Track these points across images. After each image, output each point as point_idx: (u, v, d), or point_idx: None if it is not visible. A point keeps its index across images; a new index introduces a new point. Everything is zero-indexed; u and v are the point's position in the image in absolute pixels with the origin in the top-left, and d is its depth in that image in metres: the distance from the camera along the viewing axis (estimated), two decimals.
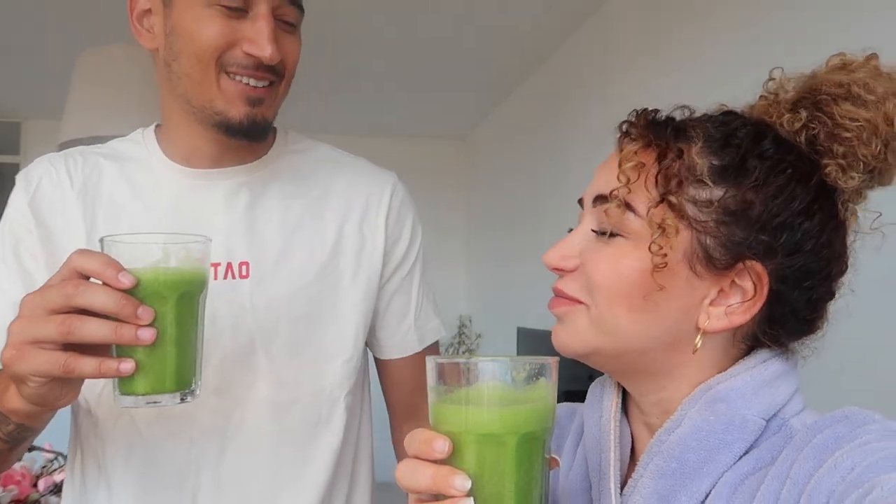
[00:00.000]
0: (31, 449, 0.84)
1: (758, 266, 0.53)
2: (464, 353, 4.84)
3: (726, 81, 1.97)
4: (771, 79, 0.59)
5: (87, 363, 0.59)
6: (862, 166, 0.54)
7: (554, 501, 0.63)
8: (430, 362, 0.48)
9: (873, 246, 0.57)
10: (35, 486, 0.80)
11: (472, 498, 0.43)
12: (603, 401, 0.62)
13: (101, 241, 0.63)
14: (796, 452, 0.48)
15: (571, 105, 2.99)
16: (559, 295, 0.59)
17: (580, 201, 0.61)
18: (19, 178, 0.89)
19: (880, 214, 0.57)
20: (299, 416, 0.88)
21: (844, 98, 0.53)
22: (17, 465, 0.86)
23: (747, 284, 0.53)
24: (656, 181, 0.53)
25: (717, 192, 0.53)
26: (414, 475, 0.45)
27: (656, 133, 0.55)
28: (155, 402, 0.63)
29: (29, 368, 0.60)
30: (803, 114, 0.55)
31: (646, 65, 2.34)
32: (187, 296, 0.63)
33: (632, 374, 0.58)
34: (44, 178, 0.88)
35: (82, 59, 1.78)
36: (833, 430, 0.48)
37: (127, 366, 0.60)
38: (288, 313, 0.88)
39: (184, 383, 0.64)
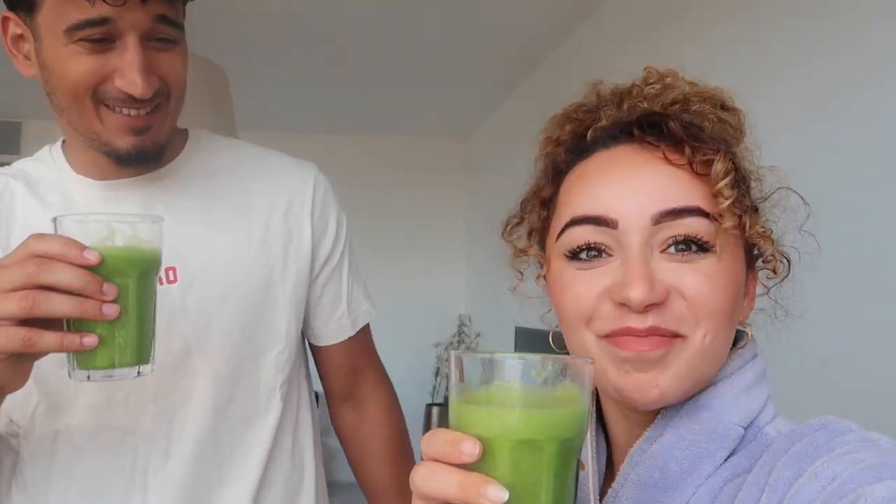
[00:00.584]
0: None
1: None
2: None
3: (726, 75, 1.96)
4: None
5: (49, 337, 0.60)
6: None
7: None
8: (456, 358, 0.43)
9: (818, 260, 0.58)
10: None
11: None
12: None
13: (55, 220, 0.64)
14: (774, 459, 0.48)
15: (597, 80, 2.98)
16: (657, 334, 0.50)
17: (601, 220, 0.53)
18: None
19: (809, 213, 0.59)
20: (239, 411, 0.90)
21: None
22: None
23: (751, 275, 0.57)
24: (735, 187, 0.52)
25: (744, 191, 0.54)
26: (436, 480, 0.39)
27: (698, 137, 0.53)
28: (111, 376, 0.64)
29: None
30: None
31: (647, 62, 2.33)
32: (146, 273, 0.65)
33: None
34: None
35: None
36: (812, 439, 0.48)
37: (90, 339, 0.61)
38: (219, 313, 0.88)
39: (142, 357, 0.66)
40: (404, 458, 1.09)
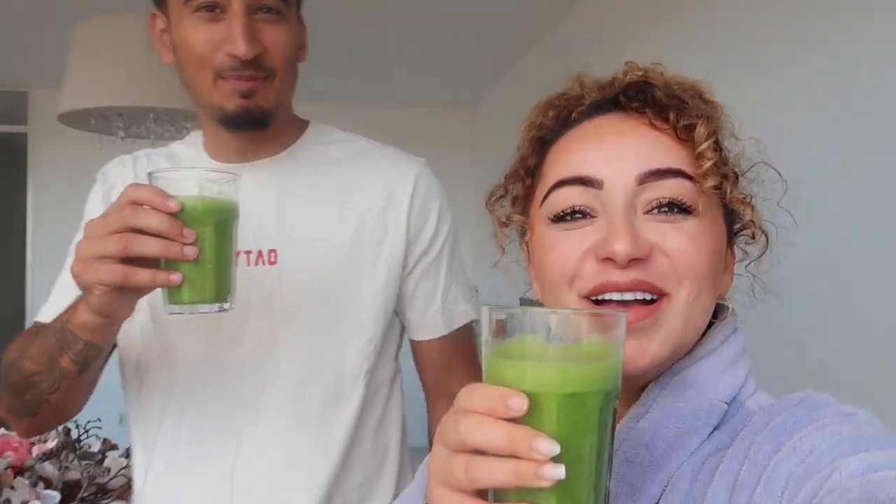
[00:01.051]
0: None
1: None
2: None
3: (738, 38, 1.93)
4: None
5: (143, 273, 0.69)
6: None
7: None
8: (490, 312, 0.42)
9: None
10: (30, 452, 0.82)
11: (563, 466, 0.36)
12: None
13: (150, 175, 0.73)
14: (754, 434, 0.49)
15: (581, 72, 2.95)
16: (643, 288, 0.50)
17: (586, 180, 0.53)
18: (98, 176, 1.04)
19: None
20: (321, 393, 0.94)
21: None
22: (14, 433, 0.88)
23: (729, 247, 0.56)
24: (717, 152, 0.53)
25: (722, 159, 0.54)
26: (482, 430, 0.37)
27: (677, 106, 0.54)
28: (194, 311, 0.73)
29: (94, 278, 0.70)
30: None
31: (657, 29, 2.31)
32: (222, 222, 0.73)
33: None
34: (118, 177, 1.01)
35: (77, 31, 1.77)
36: (791, 413, 0.48)
37: (176, 277, 0.70)
38: (309, 298, 0.93)
39: (221, 296, 0.74)
40: None
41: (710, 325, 0.57)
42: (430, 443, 0.96)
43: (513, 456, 0.36)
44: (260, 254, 0.93)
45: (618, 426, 0.53)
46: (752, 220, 0.54)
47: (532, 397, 0.38)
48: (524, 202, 0.62)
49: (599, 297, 0.52)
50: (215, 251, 0.72)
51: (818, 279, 1.51)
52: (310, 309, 0.93)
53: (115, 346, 0.95)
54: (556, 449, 0.36)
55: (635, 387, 0.54)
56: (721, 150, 0.54)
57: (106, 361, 0.92)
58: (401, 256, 0.98)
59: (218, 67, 0.86)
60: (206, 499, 0.92)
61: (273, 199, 0.95)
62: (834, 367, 1.50)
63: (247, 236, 0.88)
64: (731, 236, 0.58)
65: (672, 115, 0.53)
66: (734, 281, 0.59)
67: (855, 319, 1.46)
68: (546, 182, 0.56)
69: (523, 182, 0.61)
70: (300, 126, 1.02)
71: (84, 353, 0.82)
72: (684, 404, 0.52)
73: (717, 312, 0.58)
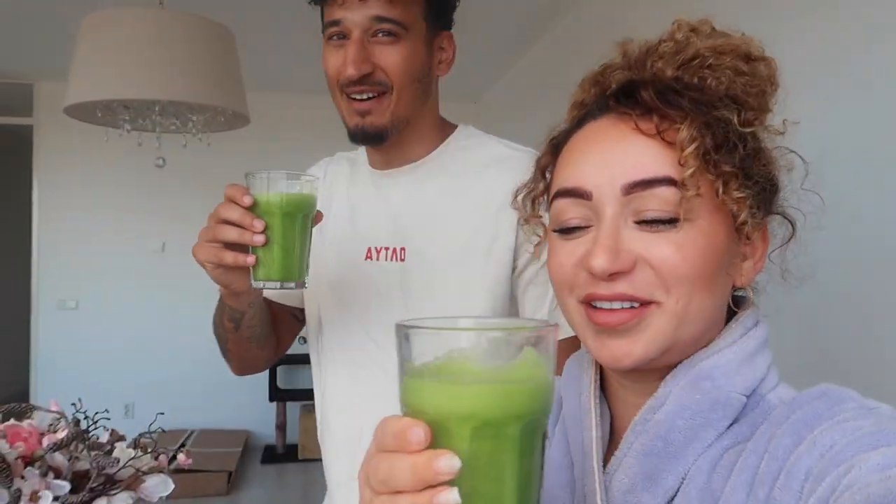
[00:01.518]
0: (35, 409, 0.87)
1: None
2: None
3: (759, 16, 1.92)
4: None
5: (228, 254, 0.87)
6: None
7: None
8: (399, 328, 0.38)
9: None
10: (40, 443, 0.83)
11: (456, 490, 0.35)
12: (581, 378, 0.61)
13: (245, 175, 0.90)
14: (774, 427, 0.49)
15: (585, 63, 2.94)
16: (627, 299, 0.51)
17: (577, 192, 0.54)
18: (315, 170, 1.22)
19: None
20: None
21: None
22: (25, 423, 0.89)
23: (757, 235, 0.55)
24: (708, 157, 0.51)
25: (735, 160, 0.53)
26: (390, 472, 0.36)
27: (671, 103, 0.53)
28: (269, 286, 0.89)
29: (201, 258, 0.92)
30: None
31: (663, 21, 2.29)
32: (289, 215, 0.87)
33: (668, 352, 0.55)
34: (319, 171, 1.19)
35: (86, 23, 1.77)
36: (812, 407, 0.48)
37: (250, 258, 0.87)
38: (427, 295, 1.02)
39: (288, 275, 0.89)
40: None
41: (734, 314, 0.57)
42: None
43: (426, 489, 0.35)
44: (394, 252, 1.04)
45: (635, 417, 0.54)
46: (743, 222, 0.53)
47: (439, 424, 0.36)
48: (546, 199, 0.62)
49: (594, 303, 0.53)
50: (283, 238, 0.87)
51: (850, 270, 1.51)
52: (430, 307, 1.00)
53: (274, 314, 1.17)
54: (456, 464, 0.34)
55: (655, 380, 0.54)
56: (722, 145, 0.52)
57: (267, 321, 1.13)
58: (508, 260, 1.01)
59: (341, 86, 0.99)
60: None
61: (404, 202, 1.05)
62: (863, 358, 1.50)
63: (380, 235, 1.04)
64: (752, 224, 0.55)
65: (655, 119, 0.52)
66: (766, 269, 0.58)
67: (884, 314, 1.45)
68: (552, 188, 0.58)
69: (541, 182, 0.63)
70: (445, 132, 1.10)
71: (231, 315, 1.06)
72: (701, 397, 0.52)
73: (740, 303, 0.58)
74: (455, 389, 0.36)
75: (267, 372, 4.74)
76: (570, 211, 0.55)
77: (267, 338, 1.15)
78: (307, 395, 5.06)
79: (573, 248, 0.55)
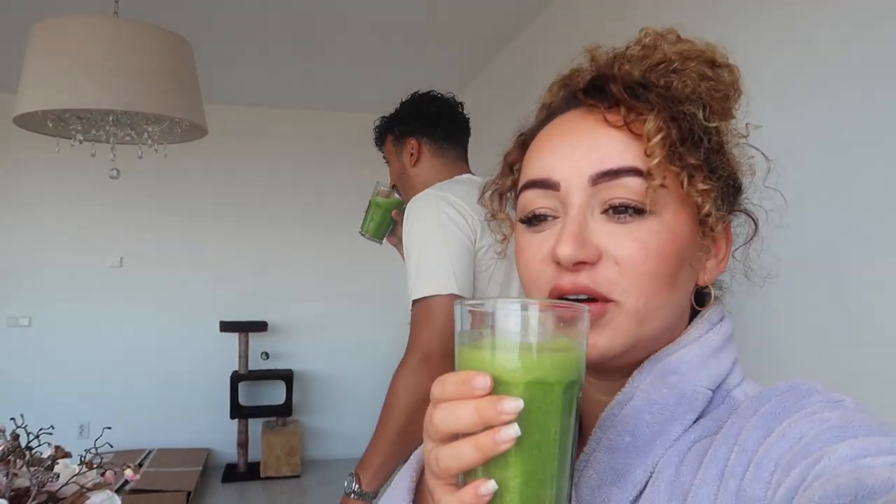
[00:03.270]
0: None
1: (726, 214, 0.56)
2: None
3: (727, 20, 1.97)
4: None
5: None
6: None
7: None
8: (461, 307, 0.44)
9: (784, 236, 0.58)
10: None
11: (515, 425, 0.39)
12: None
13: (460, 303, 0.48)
14: (743, 420, 0.50)
15: (558, 65, 2.97)
16: (588, 293, 0.52)
17: (545, 183, 0.55)
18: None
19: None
20: None
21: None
22: None
23: (721, 232, 0.56)
24: (674, 149, 0.52)
25: (700, 155, 0.53)
26: (453, 415, 0.39)
27: (638, 97, 0.53)
28: None
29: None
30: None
31: (643, 16, 2.33)
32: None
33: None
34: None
35: (36, 31, 1.73)
36: (780, 400, 0.49)
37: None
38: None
39: None
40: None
41: (698, 312, 0.58)
42: None
43: (485, 430, 0.38)
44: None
45: (602, 413, 0.55)
46: (708, 213, 0.54)
47: (501, 383, 0.40)
48: (513, 196, 0.63)
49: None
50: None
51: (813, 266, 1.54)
52: None
53: None
54: (520, 404, 0.39)
55: (622, 377, 0.55)
56: (687, 138, 0.53)
57: None
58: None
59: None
60: None
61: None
62: (830, 352, 1.53)
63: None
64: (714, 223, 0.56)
65: (623, 110, 0.53)
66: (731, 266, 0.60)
67: (847, 309, 1.48)
68: (520, 181, 0.59)
69: (508, 178, 0.63)
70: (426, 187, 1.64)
71: None
72: (667, 391, 0.53)
73: (705, 301, 0.59)
74: (511, 356, 0.41)
75: (228, 388, 4.66)
76: (537, 201, 0.55)
77: None
78: (269, 411, 5.00)
79: (540, 242, 0.55)
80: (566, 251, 0.51)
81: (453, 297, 1.41)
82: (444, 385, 0.41)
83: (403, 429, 1.38)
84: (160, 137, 1.98)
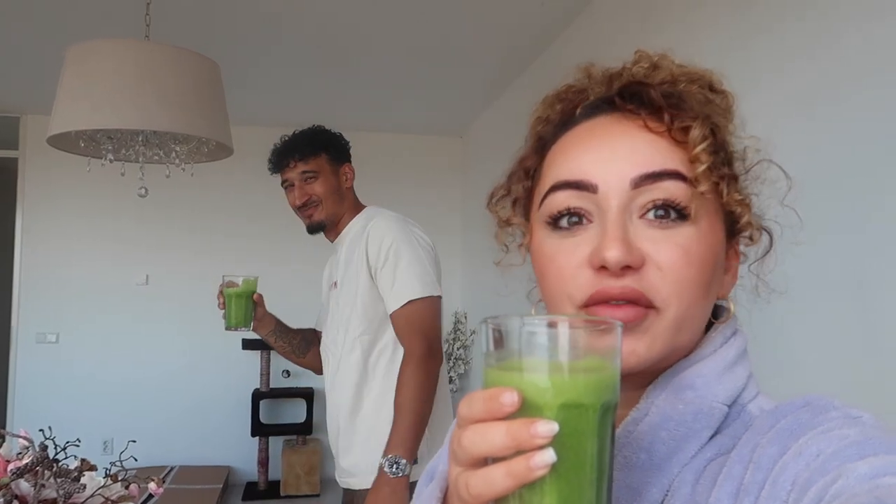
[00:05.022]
0: (2, 434, 0.86)
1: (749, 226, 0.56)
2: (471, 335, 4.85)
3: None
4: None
5: None
6: None
7: None
8: (489, 325, 0.41)
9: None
10: (5, 471, 0.82)
11: (551, 449, 0.36)
12: None
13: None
14: (759, 437, 0.48)
15: (590, 62, 2.99)
16: (636, 297, 0.50)
17: (581, 185, 0.53)
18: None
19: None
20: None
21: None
22: None
23: (734, 247, 0.57)
24: (716, 157, 0.52)
25: (728, 164, 0.54)
26: (483, 437, 0.37)
27: (679, 106, 0.53)
28: None
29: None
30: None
31: (656, 47, 2.35)
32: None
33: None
34: None
35: (71, 54, 1.79)
36: (796, 417, 0.48)
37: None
38: (342, 305, 1.91)
39: None
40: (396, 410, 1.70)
41: (711, 324, 0.56)
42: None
43: (517, 453, 0.36)
44: (335, 283, 1.98)
45: (617, 429, 0.53)
46: (748, 223, 0.54)
47: (533, 406, 0.38)
48: (524, 204, 0.61)
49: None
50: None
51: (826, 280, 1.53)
52: (342, 311, 1.92)
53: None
54: (554, 427, 0.36)
55: (635, 389, 0.54)
56: (721, 149, 0.54)
57: (296, 342, 2.09)
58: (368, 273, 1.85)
59: (296, 210, 1.98)
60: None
61: (341, 257, 1.96)
62: (839, 369, 1.50)
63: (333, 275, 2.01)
64: (733, 236, 0.57)
65: (667, 117, 0.52)
66: (739, 280, 0.59)
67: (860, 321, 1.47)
68: (543, 185, 0.56)
69: (522, 184, 0.61)
70: (356, 211, 1.99)
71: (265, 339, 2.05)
72: (683, 407, 0.51)
73: (718, 313, 0.58)
74: (545, 378, 0.39)
75: (249, 406, 4.68)
76: (570, 202, 0.53)
77: (302, 351, 2.07)
78: (290, 429, 5.01)
79: (574, 246, 0.52)
80: (615, 254, 0.49)
81: (438, 298, 1.81)
82: (471, 404, 0.39)
83: (424, 412, 1.67)
84: (187, 157, 2.02)
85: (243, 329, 1.91)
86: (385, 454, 1.64)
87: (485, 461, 0.38)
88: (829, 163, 1.49)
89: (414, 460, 1.64)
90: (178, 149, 1.97)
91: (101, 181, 4.45)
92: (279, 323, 2.02)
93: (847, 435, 0.44)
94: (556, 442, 0.37)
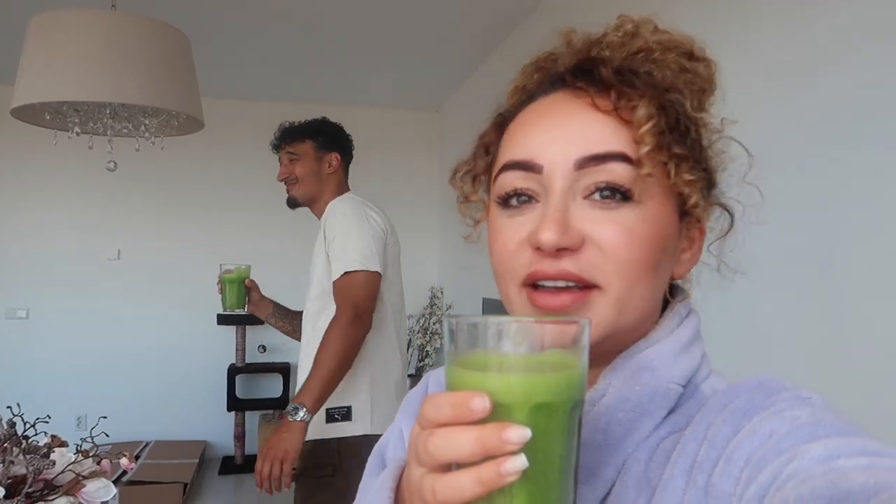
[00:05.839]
0: None
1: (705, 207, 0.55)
2: (444, 317, 4.88)
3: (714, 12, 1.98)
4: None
5: None
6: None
7: None
8: (454, 323, 0.40)
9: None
10: None
11: (523, 455, 0.36)
12: None
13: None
14: (712, 415, 0.49)
15: (570, 28, 2.98)
16: (571, 279, 0.50)
17: (526, 165, 0.53)
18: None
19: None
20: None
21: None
22: None
23: (695, 227, 0.56)
24: (663, 137, 0.51)
25: (685, 144, 0.53)
26: (451, 443, 0.36)
27: (629, 83, 0.52)
28: None
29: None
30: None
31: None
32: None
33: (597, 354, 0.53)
34: None
35: (34, 24, 1.74)
36: (750, 397, 0.49)
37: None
38: (310, 281, 2.13)
39: None
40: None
41: (667, 304, 0.57)
42: None
43: (486, 460, 0.36)
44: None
45: None
46: (696, 204, 0.53)
47: (502, 408, 0.37)
48: (485, 180, 0.61)
49: (534, 283, 0.52)
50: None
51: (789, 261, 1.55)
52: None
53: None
54: (527, 433, 0.36)
55: (591, 370, 0.54)
56: (674, 128, 0.52)
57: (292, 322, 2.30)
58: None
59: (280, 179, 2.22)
60: None
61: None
62: (798, 348, 1.54)
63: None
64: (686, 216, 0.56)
65: (613, 95, 0.52)
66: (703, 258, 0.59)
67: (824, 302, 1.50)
68: (498, 162, 0.56)
69: (483, 159, 0.61)
70: (335, 197, 2.15)
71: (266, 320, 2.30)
72: (640, 388, 0.52)
73: (676, 292, 0.58)
74: (514, 378, 0.38)
75: (225, 381, 4.68)
76: (517, 183, 0.53)
77: (296, 329, 2.26)
78: (266, 404, 5.02)
79: (518, 227, 0.53)
80: (549, 236, 0.49)
81: (377, 274, 1.96)
82: (437, 406, 0.37)
83: (336, 371, 1.86)
84: (157, 130, 1.98)
85: (238, 311, 2.18)
86: (292, 400, 1.85)
87: (450, 466, 0.37)
88: (793, 141, 1.51)
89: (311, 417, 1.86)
90: (147, 122, 1.93)
91: (68, 153, 4.36)
92: (277, 305, 2.28)
93: (798, 416, 0.45)
94: (525, 444, 0.36)
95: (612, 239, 0.50)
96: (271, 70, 4.18)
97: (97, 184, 4.63)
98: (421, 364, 4.87)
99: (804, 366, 1.46)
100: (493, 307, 3.03)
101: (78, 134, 1.89)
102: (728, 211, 0.59)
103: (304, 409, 1.81)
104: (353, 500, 0.61)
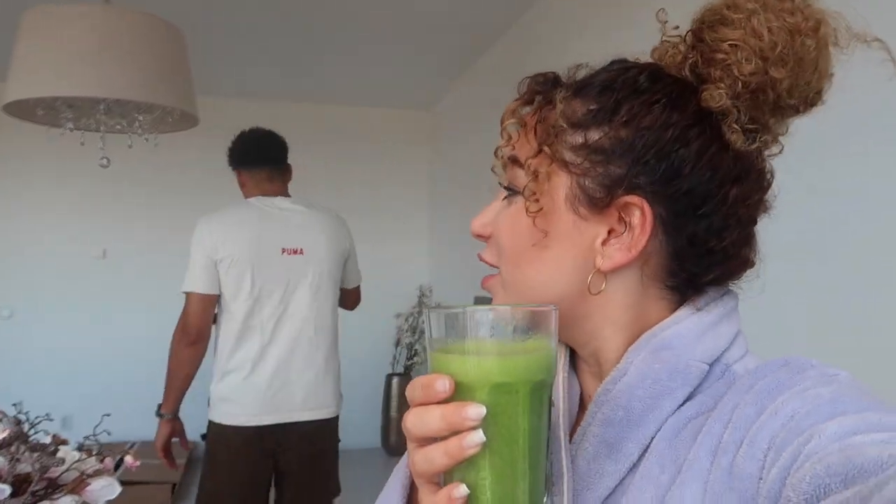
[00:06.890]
0: None
1: (635, 199, 0.53)
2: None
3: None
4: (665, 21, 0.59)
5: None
6: (741, 85, 0.52)
7: None
8: (429, 313, 0.46)
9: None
10: None
11: (480, 431, 0.41)
12: None
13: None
14: (738, 397, 0.50)
15: (536, 71, 2.99)
16: (484, 262, 0.61)
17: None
18: None
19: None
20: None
21: (719, 23, 0.53)
22: None
23: (636, 220, 0.54)
24: (535, 133, 0.56)
25: (593, 135, 0.54)
26: (423, 419, 0.43)
27: (537, 88, 0.58)
28: None
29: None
30: (681, 47, 0.56)
31: (607, 30, 2.36)
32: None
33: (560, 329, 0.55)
34: None
35: (26, 18, 1.71)
36: (775, 377, 0.49)
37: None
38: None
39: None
40: None
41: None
42: None
43: (452, 435, 0.41)
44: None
45: (598, 389, 0.56)
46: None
47: (466, 387, 0.43)
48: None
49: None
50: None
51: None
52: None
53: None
54: (482, 411, 0.41)
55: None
56: (558, 132, 0.55)
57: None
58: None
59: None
60: None
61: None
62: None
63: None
64: (604, 209, 0.55)
65: (514, 105, 0.59)
66: None
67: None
68: None
69: None
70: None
71: None
72: (660, 366, 0.53)
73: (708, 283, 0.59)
74: (477, 360, 0.43)
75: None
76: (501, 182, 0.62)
77: None
78: None
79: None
80: (472, 227, 0.61)
81: (198, 295, 2.28)
82: (413, 388, 0.44)
83: (171, 379, 2.37)
84: (151, 127, 1.97)
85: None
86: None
87: (432, 439, 0.43)
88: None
89: (170, 414, 2.43)
90: (141, 118, 1.92)
91: (57, 151, 4.31)
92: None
93: (821, 394, 0.45)
94: (488, 420, 0.42)
95: (499, 229, 0.59)
96: (262, 70, 4.16)
97: (83, 182, 4.58)
98: (409, 362, 4.86)
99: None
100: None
101: (71, 130, 1.87)
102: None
103: (162, 411, 2.47)
104: None
